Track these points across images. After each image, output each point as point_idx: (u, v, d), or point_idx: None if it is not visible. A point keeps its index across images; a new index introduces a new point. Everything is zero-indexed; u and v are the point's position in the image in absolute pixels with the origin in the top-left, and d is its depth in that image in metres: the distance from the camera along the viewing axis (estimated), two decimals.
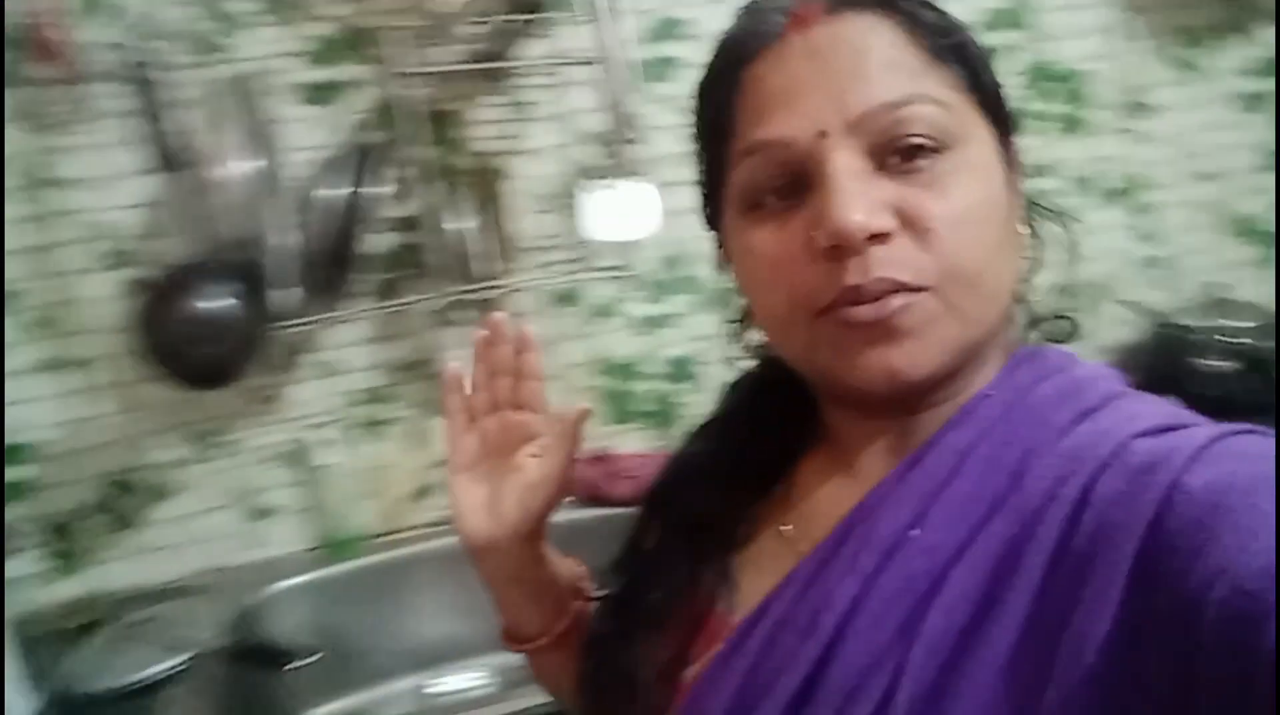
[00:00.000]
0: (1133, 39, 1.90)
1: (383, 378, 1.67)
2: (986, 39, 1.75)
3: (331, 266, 1.36)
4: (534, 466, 0.71)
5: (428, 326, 1.64)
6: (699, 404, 1.68)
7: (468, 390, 0.73)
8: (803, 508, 0.62)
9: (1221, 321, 1.86)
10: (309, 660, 1.30)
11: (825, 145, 0.50)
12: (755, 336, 0.67)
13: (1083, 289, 1.94)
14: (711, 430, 0.72)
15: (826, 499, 0.60)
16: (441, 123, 1.55)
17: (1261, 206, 1.98)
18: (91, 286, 1.52)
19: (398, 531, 1.70)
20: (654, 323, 1.78)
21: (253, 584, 1.59)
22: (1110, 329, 1.98)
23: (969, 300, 0.51)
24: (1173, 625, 0.38)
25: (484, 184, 1.55)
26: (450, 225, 1.43)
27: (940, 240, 0.49)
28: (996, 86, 0.55)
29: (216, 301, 1.25)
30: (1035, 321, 0.60)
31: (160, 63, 1.21)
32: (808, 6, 0.52)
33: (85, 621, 1.51)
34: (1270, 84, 1.93)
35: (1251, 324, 1.83)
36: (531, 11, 1.39)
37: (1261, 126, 1.96)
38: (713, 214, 0.61)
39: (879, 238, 0.49)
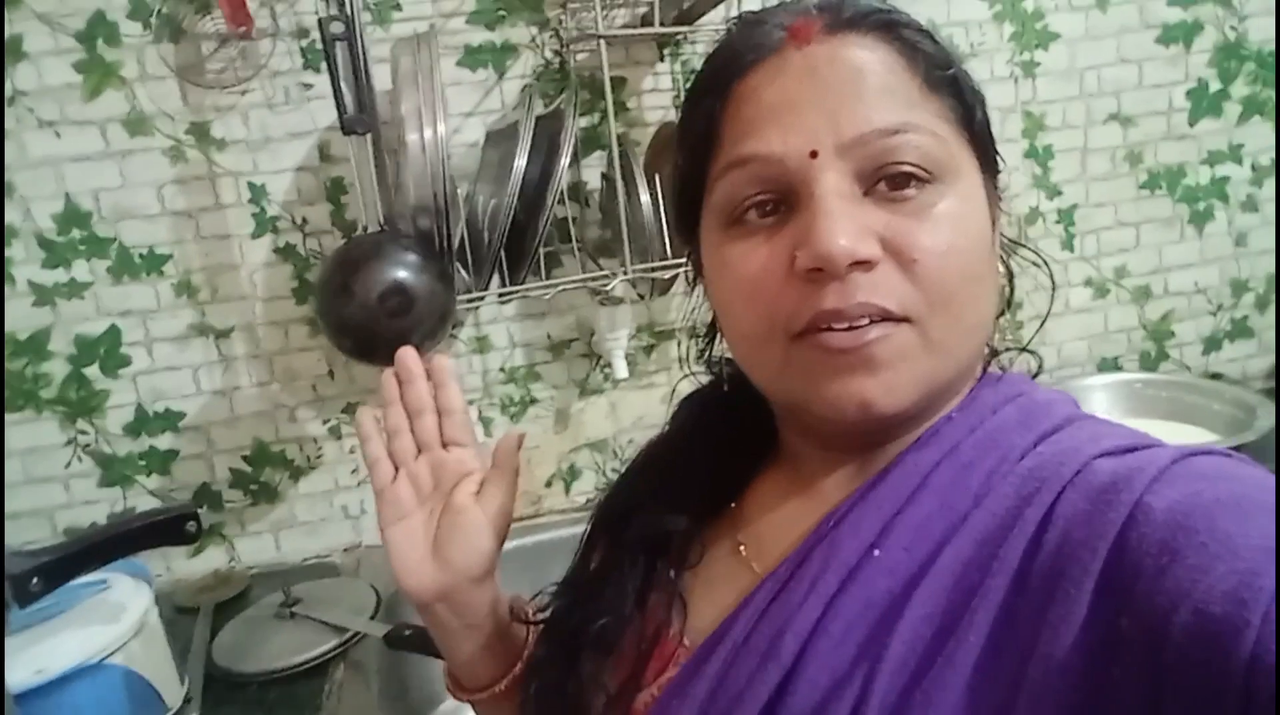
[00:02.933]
0: None
1: (531, 356, 1.61)
2: (1180, 15, 1.65)
3: (507, 240, 1.29)
4: (476, 505, 0.68)
5: (586, 304, 1.58)
6: None
7: (385, 436, 0.70)
8: (759, 527, 0.61)
9: None
10: None
11: (815, 165, 0.49)
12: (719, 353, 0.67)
13: (1259, 284, 1.83)
14: (662, 447, 0.70)
15: (784, 518, 0.58)
16: (615, 90, 1.47)
17: None
18: (245, 252, 1.47)
19: (540, 516, 1.65)
20: None
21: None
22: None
23: (948, 334, 0.50)
24: (1138, 646, 0.39)
25: (657, 156, 1.47)
26: (619, 200, 1.35)
27: (924, 271, 0.48)
28: (987, 123, 0.55)
29: (404, 272, 1.19)
30: (996, 353, 0.60)
31: (343, 19, 1.13)
32: (807, 22, 0.52)
33: (228, 596, 1.48)
34: None
35: None
36: None
37: None
38: (688, 226, 0.59)
39: (862, 264, 0.48)
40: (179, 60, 1.40)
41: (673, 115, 1.53)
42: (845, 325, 0.48)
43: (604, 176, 1.49)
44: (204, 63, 1.41)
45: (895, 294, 0.48)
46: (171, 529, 0.97)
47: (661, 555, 0.62)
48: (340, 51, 1.15)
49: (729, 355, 0.69)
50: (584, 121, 1.50)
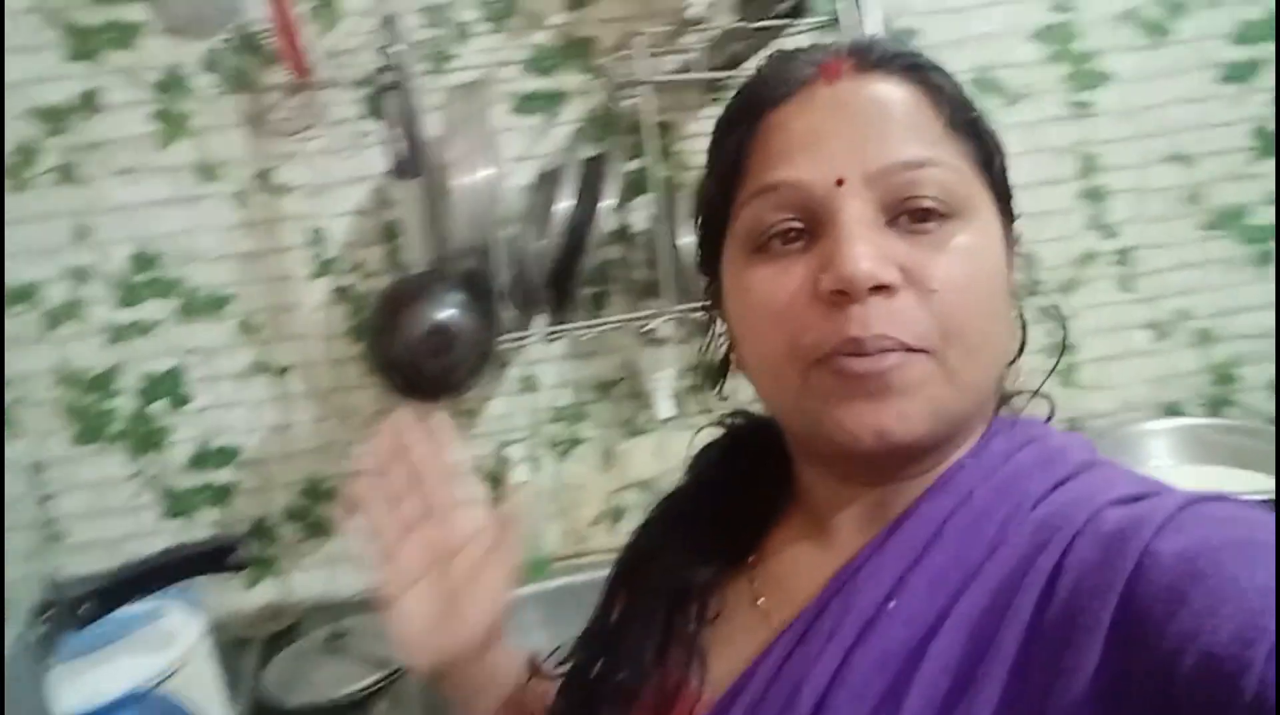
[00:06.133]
0: None
1: (578, 396, 1.62)
2: (1240, 53, 1.62)
3: (552, 280, 1.31)
4: (479, 572, 0.66)
5: (631, 344, 1.59)
6: None
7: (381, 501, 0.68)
8: (777, 578, 0.61)
9: None
10: None
11: (841, 193, 0.50)
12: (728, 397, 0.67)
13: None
14: (680, 498, 0.70)
15: (801, 569, 0.58)
16: (662, 134, 1.50)
17: None
18: (304, 293, 1.53)
19: (584, 555, 1.66)
20: None
21: None
22: None
23: (965, 366, 0.51)
24: (1148, 691, 0.39)
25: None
26: (666, 241, 1.37)
27: (942, 303, 0.49)
28: (1004, 169, 0.56)
29: (448, 312, 1.22)
30: (1008, 398, 0.60)
31: (395, 70, 1.18)
32: (837, 61, 0.54)
33: (280, 628, 1.51)
34: None
35: None
36: (761, 20, 1.32)
37: None
38: (710, 254, 0.60)
39: (883, 289, 0.49)
40: (245, 110, 1.47)
41: None
42: (863, 353, 0.49)
43: (650, 218, 1.51)
44: (268, 112, 1.47)
45: (913, 325, 0.49)
46: (218, 558, 1.00)
47: (681, 608, 0.62)
48: (392, 100, 1.19)
49: (743, 407, 0.70)
50: (632, 165, 1.53)
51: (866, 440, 0.50)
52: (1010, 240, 0.57)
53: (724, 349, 0.65)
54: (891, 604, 0.49)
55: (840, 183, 0.50)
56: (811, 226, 0.52)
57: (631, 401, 1.63)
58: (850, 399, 0.50)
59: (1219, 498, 0.47)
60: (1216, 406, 1.77)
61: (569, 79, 1.53)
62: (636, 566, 0.67)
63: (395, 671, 1.32)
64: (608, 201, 1.27)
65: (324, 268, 1.52)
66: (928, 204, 0.50)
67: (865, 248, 0.48)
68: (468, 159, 1.24)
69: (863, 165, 0.50)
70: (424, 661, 0.67)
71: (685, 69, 1.49)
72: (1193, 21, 1.66)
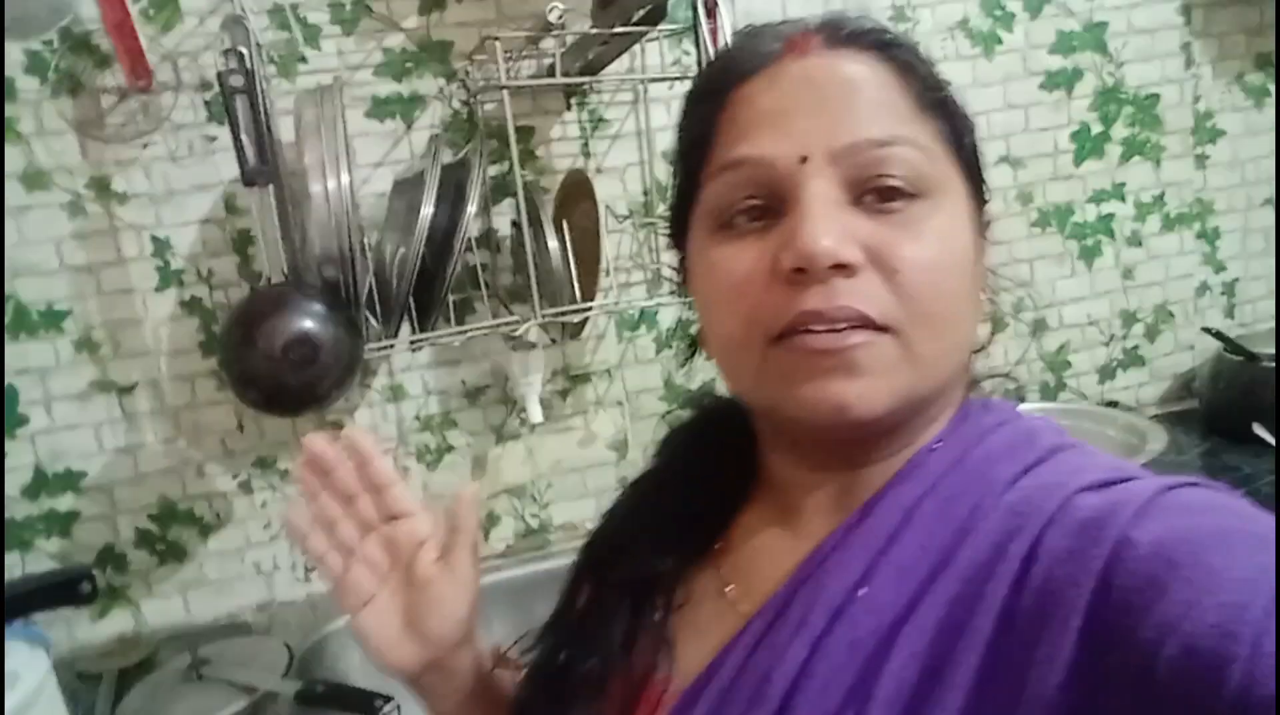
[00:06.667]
0: (1203, 64, 1.88)
1: (446, 404, 1.60)
2: (1061, 63, 1.76)
3: (416, 287, 1.29)
4: (442, 573, 0.65)
5: (499, 350, 1.58)
6: None
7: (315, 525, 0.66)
8: (744, 566, 0.60)
9: None
10: (384, 710, 1.22)
11: (805, 171, 0.50)
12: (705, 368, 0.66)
13: (1148, 315, 1.91)
14: (646, 485, 0.69)
15: (769, 556, 0.58)
16: (522, 139, 1.50)
17: None
18: (149, 306, 1.45)
19: None
20: None
21: (311, 620, 1.52)
22: (1174, 358, 1.95)
23: (928, 347, 0.50)
24: (1126, 682, 0.38)
25: (564, 203, 1.49)
26: (531, 245, 1.37)
27: (907, 283, 0.49)
28: (975, 149, 0.56)
29: (308, 322, 1.18)
30: (976, 382, 0.60)
31: (242, 73, 1.14)
32: (806, 37, 0.53)
33: (135, 660, 1.43)
34: None
35: None
36: (618, 25, 1.34)
37: None
38: (679, 231, 0.60)
39: (844, 268, 0.48)
40: (77, 114, 1.38)
41: (579, 163, 1.57)
42: (826, 327, 0.48)
43: (514, 223, 1.51)
44: (104, 117, 1.39)
45: (877, 302, 0.48)
46: (65, 591, 0.94)
47: (648, 597, 0.61)
48: (241, 104, 1.15)
49: (712, 391, 0.70)
50: (493, 170, 1.52)
51: (825, 416, 0.49)
52: (980, 222, 0.57)
53: (693, 329, 0.63)
54: (861, 592, 0.49)
55: (804, 160, 0.50)
56: (775, 204, 0.51)
57: (501, 407, 1.62)
58: (810, 376, 0.49)
59: (1193, 483, 0.46)
60: (1052, 392, 1.90)
61: (425, 83, 1.51)
62: (602, 554, 0.66)
63: (260, 698, 1.27)
64: (470, 207, 1.26)
65: (169, 279, 1.45)
66: (894, 183, 0.50)
67: (826, 225, 0.48)
68: (322, 165, 1.20)
69: (828, 142, 0.50)
70: (400, 667, 0.65)
71: (544, 74, 1.49)
72: (1019, 32, 1.77)
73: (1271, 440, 1.56)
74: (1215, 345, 1.80)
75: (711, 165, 0.54)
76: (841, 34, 0.53)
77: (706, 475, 0.65)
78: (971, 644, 0.44)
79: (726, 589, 0.59)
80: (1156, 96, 1.87)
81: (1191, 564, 0.39)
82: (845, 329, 0.48)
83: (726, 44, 0.60)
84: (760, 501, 0.62)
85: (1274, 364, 1.67)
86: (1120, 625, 0.39)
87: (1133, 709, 0.38)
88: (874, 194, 0.50)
